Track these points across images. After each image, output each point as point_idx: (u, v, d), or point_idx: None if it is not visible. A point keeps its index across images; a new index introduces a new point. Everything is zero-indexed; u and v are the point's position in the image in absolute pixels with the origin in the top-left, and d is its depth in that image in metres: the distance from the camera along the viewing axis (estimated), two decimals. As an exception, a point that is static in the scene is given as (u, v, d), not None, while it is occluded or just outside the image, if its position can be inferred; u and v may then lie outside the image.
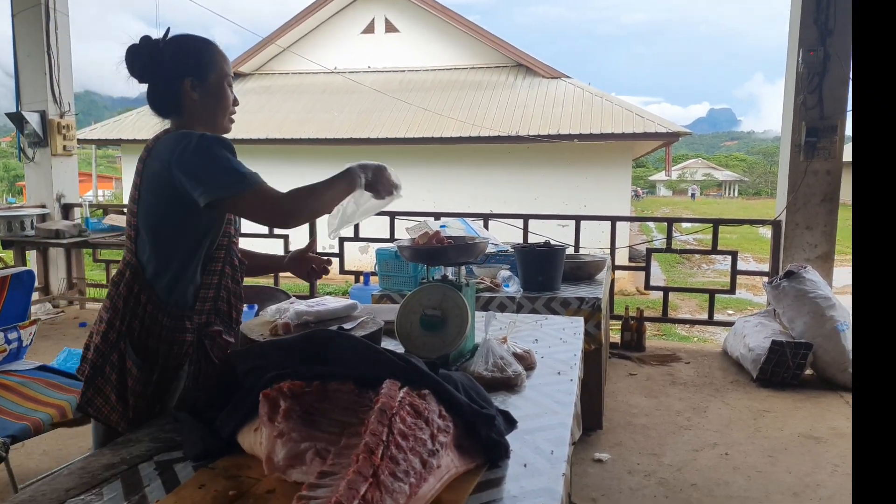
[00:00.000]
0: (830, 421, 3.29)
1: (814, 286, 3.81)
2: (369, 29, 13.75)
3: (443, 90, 12.70)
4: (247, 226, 5.75)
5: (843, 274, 10.86)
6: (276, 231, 5.58)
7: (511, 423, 1.25)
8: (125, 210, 5.62)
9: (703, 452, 2.94)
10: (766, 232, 17.66)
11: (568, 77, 12.80)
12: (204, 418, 1.19)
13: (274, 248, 5.66)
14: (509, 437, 1.18)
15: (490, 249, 3.41)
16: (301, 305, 1.74)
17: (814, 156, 4.21)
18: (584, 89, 12.29)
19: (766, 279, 4.40)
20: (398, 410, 1.02)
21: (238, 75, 14.21)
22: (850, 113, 4.17)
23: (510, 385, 1.51)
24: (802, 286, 3.81)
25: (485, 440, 1.11)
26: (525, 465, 1.11)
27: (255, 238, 5.57)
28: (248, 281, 6.35)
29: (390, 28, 13.70)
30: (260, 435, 1.07)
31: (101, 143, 14.10)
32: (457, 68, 13.54)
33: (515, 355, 1.64)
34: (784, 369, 3.73)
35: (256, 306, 2.66)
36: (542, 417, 1.35)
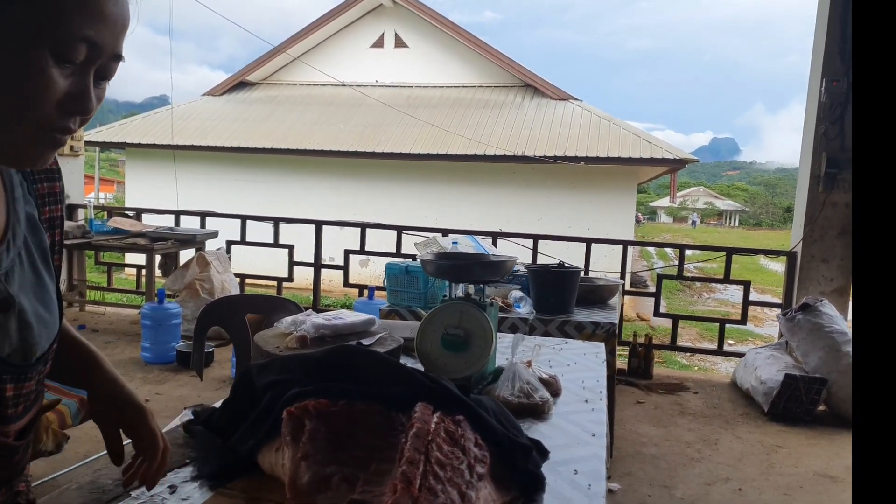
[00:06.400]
0: (846, 459, 3.21)
1: (830, 320, 3.74)
2: (378, 43, 13.78)
3: (450, 107, 12.71)
4: (251, 233, 5.69)
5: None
6: (281, 241, 5.51)
7: (543, 453, 1.18)
8: (129, 213, 5.45)
9: (716, 487, 2.85)
10: (767, 263, 17.64)
11: (576, 99, 12.82)
12: (220, 433, 1.12)
13: (277, 258, 5.63)
14: (543, 469, 1.10)
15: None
16: (318, 318, 1.67)
17: (833, 188, 4.16)
18: (591, 112, 12.30)
19: (778, 311, 4.33)
20: (434, 437, 0.95)
21: (245, 84, 14.22)
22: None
23: (538, 412, 1.44)
24: (818, 320, 3.74)
25: (522, 472, 1.04)
26: (562, 501, 1.03)
27: (256, 247, 5.51)
28: (250, 290, 6.17)
29: (399, 43, 13.73)
30: (282, 455, 1.00)
31: (105, 146, 14.10)
32: (465, 86, 13.56)
33: (541, 380, 1.57)
34: (797, 404, 3.65)
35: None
36: (573, 448, 1.27)
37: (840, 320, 3.81)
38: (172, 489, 0.97)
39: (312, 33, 13.46)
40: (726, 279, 4.75)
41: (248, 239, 5.59)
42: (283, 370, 1.18)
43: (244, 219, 5.57)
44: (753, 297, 10.39)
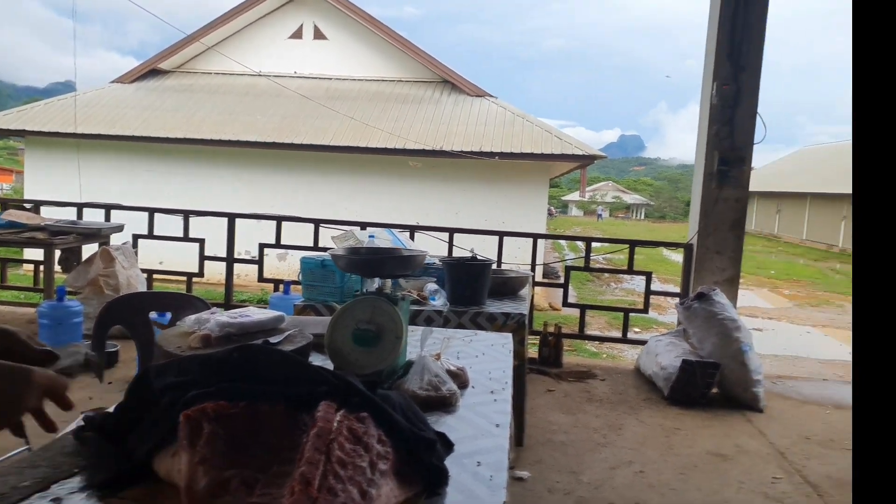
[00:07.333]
0: (735, 438, 3.45)
1: (722, 308, 4.00)
2: (297, 34, 13.54)
3: (369, 100, 12.64)
4: (159, 227, 5.47)
5: (745, 296, 11.57)
6: (195, 234, 5.33)
7: (448, 446, 1.21)
8: (26, 206, 5.09)
9: (620, 470, 3.00)
10: (670, 254, 18.60)
11: (492, 96, 13.04)
12: (113, 440, 1.07)
13: (188, 253, 5.41)
14: (447, 462, 1.13)
15: (419, 262, 3.36)
16: (223, 316, 1.63)
17: (725, 184, 4.45)
18: (506, 109, 12.54)
19: (677, 300, 4.59)
20: (336, 436, 0.95)
21: (157, 72, 13.63)
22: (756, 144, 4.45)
23: (446, 404, 1.46)
24: (712, 308, 4.00)
25: (425, 466, 1.05)
26: (464, 493, 1.06)
27: (165, 241, 5.31)
28: (158, 286, 5.95)
29: (318, 35, 13.53)
30: (179, 460, 0.97)
31: (2, 134, 13.11)
32: (384, 80, 13.52)
33: (449, 373, 1.59)
34: (693, 388, 3.88)
35: (170, 315, 2.49)
36: (478, 440, 1.31)
37: (731, 308, 4.08)
38: (56, 502, 0.92)
39: (229, 21, 13.03)
40: (630, 270, 4.99)
41: (156, 233, 5.36)
42: (183, 371, 1.15)
43: (152, 211, 5.35)
44: (657, 286, 11.00)
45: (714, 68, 4.44)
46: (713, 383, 3.90)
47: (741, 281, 4.81)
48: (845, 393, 4.44)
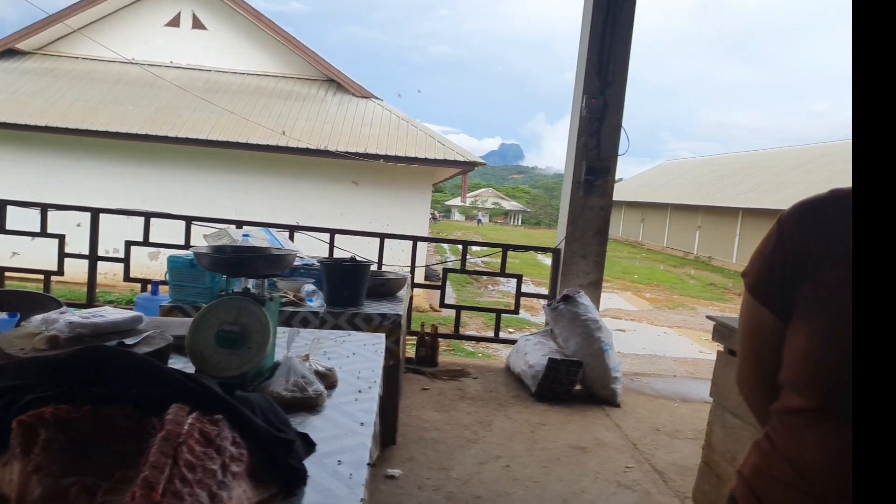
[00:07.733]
0: (594, 432, 3.69)
1: (586, 310, 4.26)
2: (174, 22, 12.83)
3: (250, 95, 12.23)
4: (11, 220, 5.02)
5: (611, 299, 12.33)
6: (50, 230, 4.93)
7: (310, 445, 1.22)
8: None
9: (488, 465, 3.12)
10: (544, 258, 19.50)
11: (377, 98, 13.04)
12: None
13: (47, 249, 4.99)
14: (308, 461, 1.14)
15: (295, 262, 3.31)
16: (74, 316, 1.53)
17: (591, 192, 4.75)
18: (391, 112, 12.59)
19: (545, 301, 4.83)
20: (186, 438, 0.93)
21: (14, 52, 12.42)
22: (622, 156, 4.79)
23: (311, 405, 1.47)
24: (576, 309, 4.25)
25: (282, 467, 1.06)
26: (322, 492, 1.08)
27: (21, 236, 4.91)
28: (11, 285, 5.47)
29: (197, 24, 12.89)
30: (10, 470, 0.91)
31: None
32: (266, 75, 13.13)
33: (317, 373, 1.60)
34: (558, 385, 4.11)
35: (19, 315, 2.29)
36: (341, 439, 1.32)
37: (593, 310, 4.36)
38: None
39: (98, 4, 12.09)
40: (502, 272, 5.19)
41: (8, 227, 4.90)
42: (21, 374, 1.08)
43: (3, 204, 4.87)
44: (530, 288, 11.45)
45: (584, 82, 4.72)
46: (576, 380, 4.15)
47: (608, 284, 5.14)
48: (692, 387, 4.87)
